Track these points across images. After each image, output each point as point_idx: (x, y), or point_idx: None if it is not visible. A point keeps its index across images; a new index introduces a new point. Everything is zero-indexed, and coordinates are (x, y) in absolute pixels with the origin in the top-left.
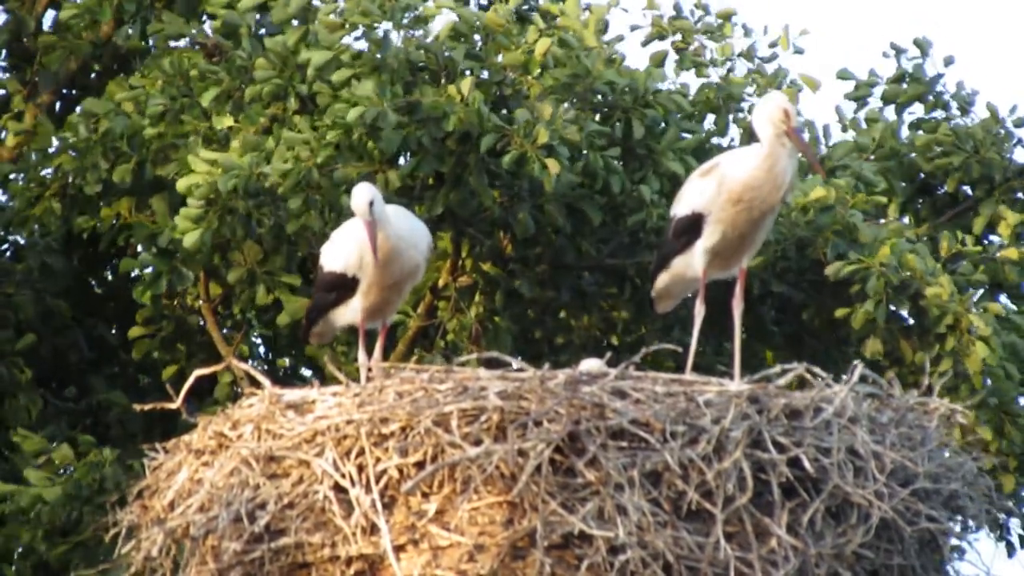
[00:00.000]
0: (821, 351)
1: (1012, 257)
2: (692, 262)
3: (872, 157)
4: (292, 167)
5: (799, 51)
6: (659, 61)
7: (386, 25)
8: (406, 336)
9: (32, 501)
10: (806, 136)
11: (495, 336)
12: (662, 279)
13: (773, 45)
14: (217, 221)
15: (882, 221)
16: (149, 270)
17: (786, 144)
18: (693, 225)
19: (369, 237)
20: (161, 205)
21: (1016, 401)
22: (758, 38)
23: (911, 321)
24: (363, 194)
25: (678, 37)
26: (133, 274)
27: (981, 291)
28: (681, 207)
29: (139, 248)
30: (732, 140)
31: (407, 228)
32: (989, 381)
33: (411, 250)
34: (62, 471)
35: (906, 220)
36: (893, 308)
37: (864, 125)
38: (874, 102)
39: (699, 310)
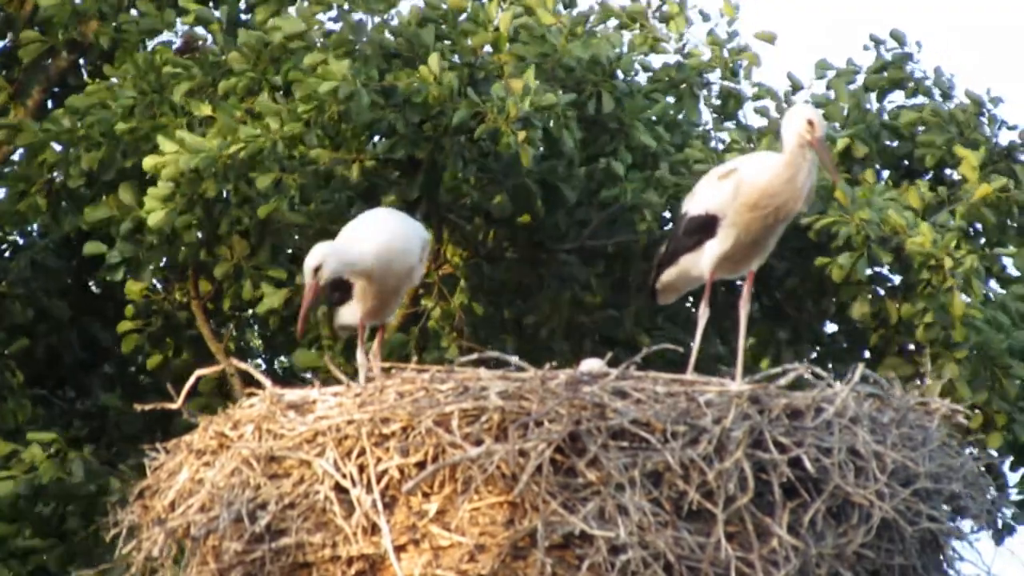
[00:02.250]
0: (800, 321)
1: (987, 194)
2: (700, 262)
3: (838, 125)
4: (260, 134)
5: (736, 6)
6: (610, 38)
7: (359, 13)
8: (391, 325)
9: None
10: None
11: (474, 324)
12: (668, 274)
13: (699, 8)
14: (185, 204)
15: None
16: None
17: (808, 155)
18: (706, 225)
19: (305, 301)
20: (127, 194)
21: (1006, 353)
22: (690, 7)
23: (895, 280)
24: (312, 259)
25: (628, 20)
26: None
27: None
28: (694, 205)
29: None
30: (706, 124)
31: (400, 234)
32: (974, 332)
33: (404, 255)
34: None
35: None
36: (874, 261)
37: (829, 93)
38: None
39: (703, 312)
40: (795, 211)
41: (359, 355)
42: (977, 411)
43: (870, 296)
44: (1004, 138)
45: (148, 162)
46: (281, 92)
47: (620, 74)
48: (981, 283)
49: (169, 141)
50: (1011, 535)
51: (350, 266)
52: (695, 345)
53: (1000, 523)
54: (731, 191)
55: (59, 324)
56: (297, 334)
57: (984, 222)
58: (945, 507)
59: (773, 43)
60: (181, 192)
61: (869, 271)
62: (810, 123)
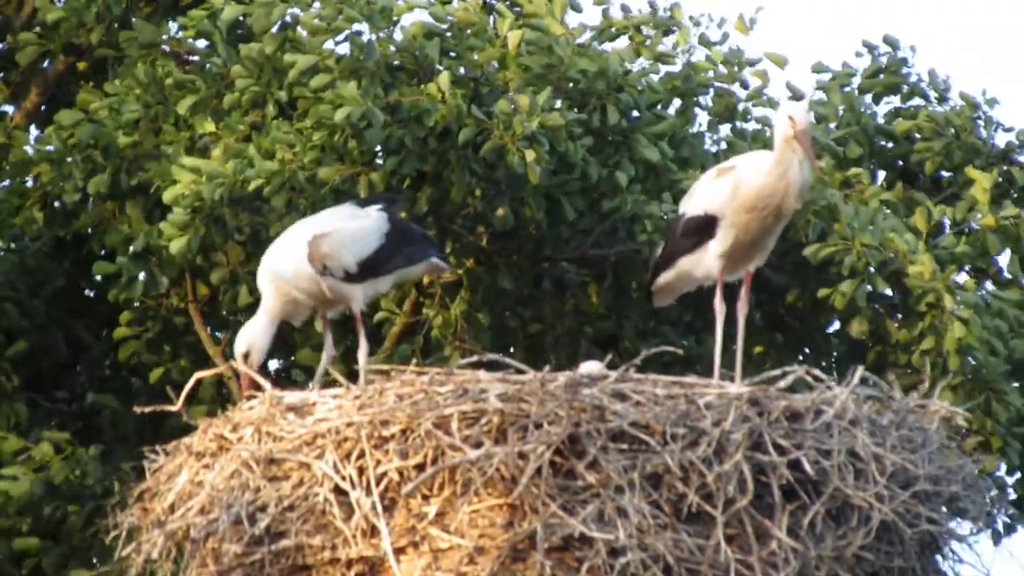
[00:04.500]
0: (803, 333)
1: (990, 224)
2: (703, 262)
3: (833, 126)
4: (278, 168)
5: (754, 20)
6: (621, 54)
7: (362, 26)
8: (392, 333)
9: (2, 496)
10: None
11: (476, 333)
12: (666, 276)
13: (721, 24)
14: (204, 228)
15: (854, 186)
16: (123, 273)
17: (796, 150)
18: (705, 226)
19: (243, 387)
20: (135, 210)
21: (1002, 378)
22: (708, 25)
23: (895, 300)
24: (240, 346)
25: (633, 31)
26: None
27: (964, 275)
28: (692, 206)
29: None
30: (700, 126)
31: (279, 266)
32: (971, 360)
33: (295, 278)
34: (40, 469)
35: (880, 180)
36: (873, 288)
37: (821, 96)
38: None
39: (719, 308)
40: (791, 208)
41: (324, 352)
42: (973, 433)
43: (869, 315)
44: (1000, 140)
45: (168, 195)
46: (286, 103)
47: (627, 90)
48: (979, 319)
49: (183, 169)
50: (1010, 535)
51: (272, 327)
52: (717, 343)
53: (1000, 523)
54: (729, 191)
55: (41, 326)
56: (242, 394)
57: (990, 249)
58: (944, 509)
59: (783, 67)
60: (200, 218)
61: (869, 288)
62: (789, 119)
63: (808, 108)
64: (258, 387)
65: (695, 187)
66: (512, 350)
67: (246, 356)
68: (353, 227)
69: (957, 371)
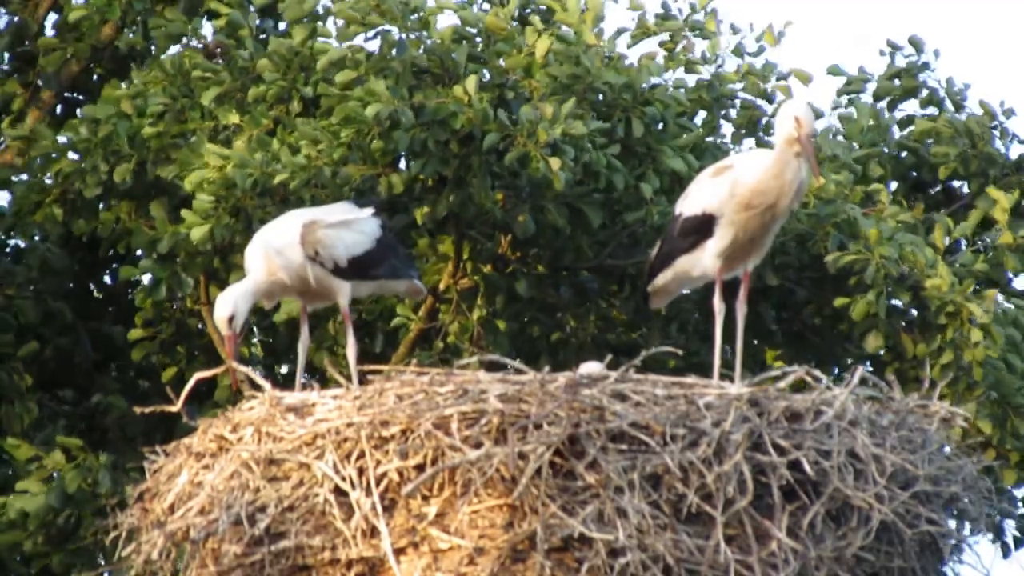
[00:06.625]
0: (823, 348)
1: (1009, 243)
2: (701, 262)
3: (856, 146)
4: (305, 163)
5: (782, 34)
6: (650, 60)
7: (392, 27)
8: (407, 338)
9: (20, 514)
10: (814, 143)
11: (495, 338)
12: (663, 276)
13: (759, 39)
14: (227, 217)
15: (875, 205)
16: (148, 277)
17: (798, 151)
18: (703, 225)
19: (229, 353)
20: (160, 211)
21: (1019, 393)
22: (745, 35)
23: (912, 315)
24: (222, 310)
25: (666, 37)
26: (134, 278)
27: (978, 287)
28: (690, 205)
29: (139, 253)
30: (724, 137)
31: (271, 244)
32: (990, 378)
33: (283, 255)
34: (53, 477)
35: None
36: (894, 301)
37: (850, 111)
38: (865, 98)
39: (718, 308)
40: (787, 208)
41: (300, 343)
42: (991, 447)
43: (885, 329)
44: (1014, 151)
45: (190, 181)
46: (310, 100)
47: (654, 104)
48: (1001, 328)
49: (211, 155)
50: (1018, 549)
51: (255, 296)
52: (716, 341)
53: (1010, 537)
54: (727, 190)
55: (68, 326)
56: (232, 387)
57: (1009, 268)
58: (950, 509)
59: (807, 84)
60: (223, 207)
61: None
62: (796, 120)
63: (811, 109)
64: (253, 383)
65: (692, 187)
66: (536, 358)
67: (230, 320)
68: (351, 223)
69: (980, 382)
